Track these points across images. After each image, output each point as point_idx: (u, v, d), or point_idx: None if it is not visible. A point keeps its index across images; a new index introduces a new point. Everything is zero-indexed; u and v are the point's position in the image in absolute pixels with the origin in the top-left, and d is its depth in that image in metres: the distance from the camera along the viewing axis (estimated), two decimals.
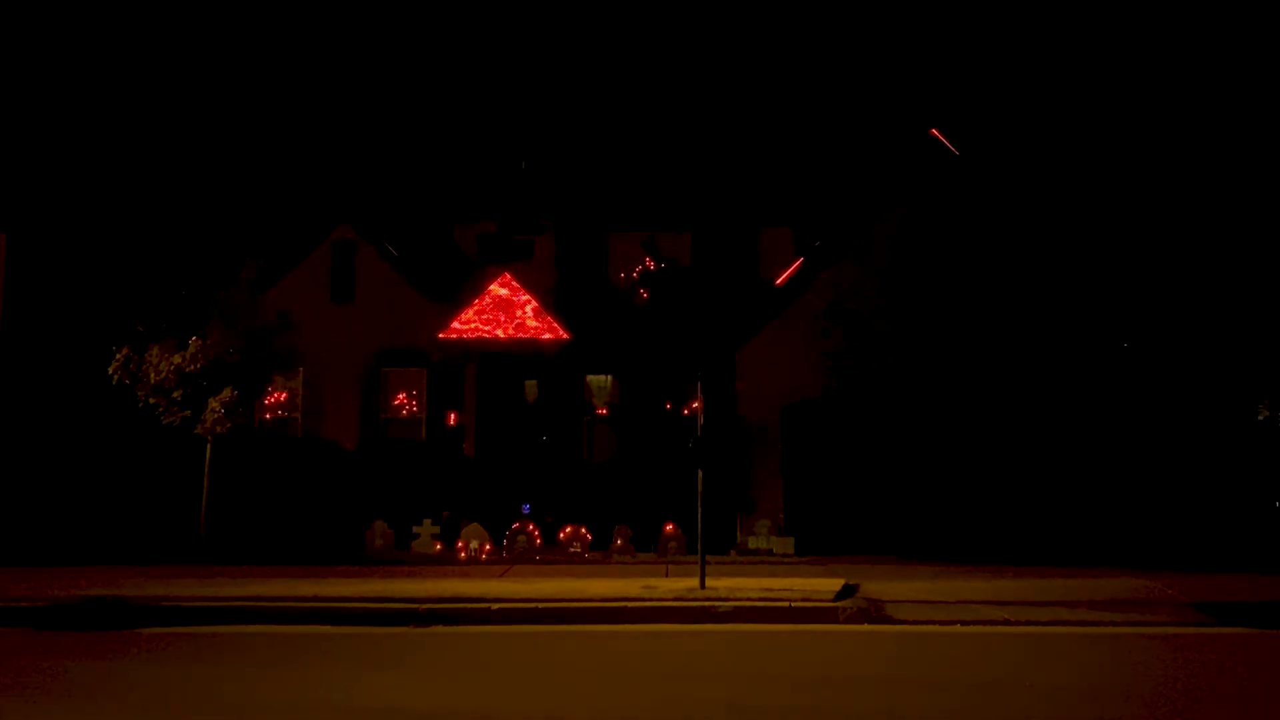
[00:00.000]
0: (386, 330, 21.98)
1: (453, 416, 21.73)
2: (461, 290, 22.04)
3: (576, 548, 17.76)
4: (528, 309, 21.51)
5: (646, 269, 22.29)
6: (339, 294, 22.24)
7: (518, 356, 21.46)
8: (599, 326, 21.80)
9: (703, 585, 12.72)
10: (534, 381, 21.76)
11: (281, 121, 25.88)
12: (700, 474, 13.54)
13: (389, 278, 22.32)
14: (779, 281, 21.90)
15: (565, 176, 23.25)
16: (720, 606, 11.64)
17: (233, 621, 11.39)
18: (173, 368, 17.94)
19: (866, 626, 11.18)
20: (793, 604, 11.69)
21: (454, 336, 21.33)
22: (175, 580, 13.89)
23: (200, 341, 18.28)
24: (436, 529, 18.37)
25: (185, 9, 27.23)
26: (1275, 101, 20.80)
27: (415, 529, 18.42)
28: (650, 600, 11.98)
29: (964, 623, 11.18)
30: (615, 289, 22.39)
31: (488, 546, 17.80)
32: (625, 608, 11.71)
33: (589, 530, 17.95)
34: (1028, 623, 11.18)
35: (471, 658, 9.77)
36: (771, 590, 12.36)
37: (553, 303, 21.77)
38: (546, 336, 21.33)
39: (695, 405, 13.87)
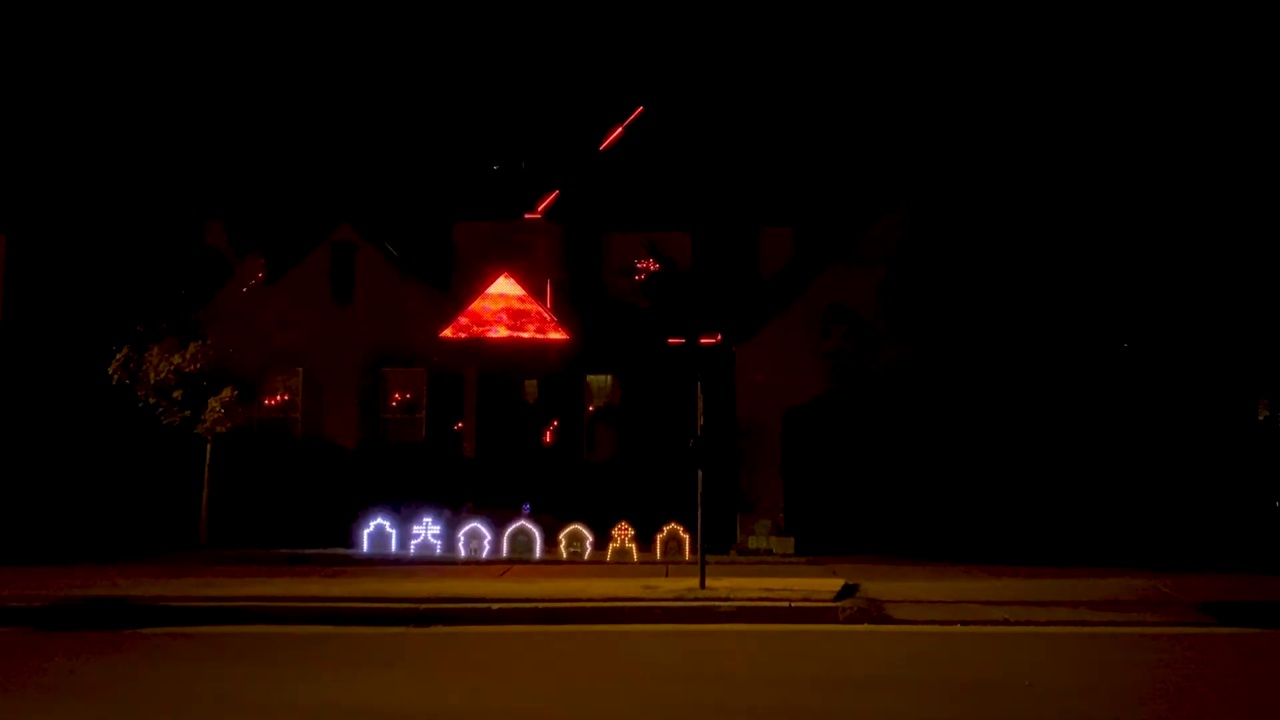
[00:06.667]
0: (386, 330, 21.94)
1: (452, 416, 21.71)
2: (461, 290, 22.02)
3: (577, 547, 17.74)
4: (528, 309, 21.50)
5: (647, 269, 22.29)
6: (339, 294, 22.21)
7: (518, 356, 21.45)
8: (599, 326, 21.79)
9: (703, 585, 12.73)
10: (534, 381, 21.74)
11: (282, 122, 25.87)
12: (700, 474, 13.54)
13: (389, 278, 22.30)
14: (778, 281, 21.88)
15: (565, 176, 23.22)
16: (720, 606, 11.65)
17: (233, 621, 11.39)
18: (173, 368, 17.96)
19: (866, 626, 11.19)
20: (793, 604, 11.70)
21: (454, 336, 21.31)
22: (175, 580, 13.88)
23: (200, 341, 18.29)
24: (436, 529, 18.35)
25: (185, 9, 27.22)
26: (1275, 101, 20.79)
27: (415, 529, 18.41)
28: (650, 600, 11.98)
29: (964, 623, 11.18)
30: (616, 288, 22.38)
31: (488, 546, 17.79)
32: (625, 608, 11.72)
33: (589, 530, 17.93)
34: (1028, 623, 11.19)
35: (471, 658, 9.78)
36: (771, 590, 12.36)
37: (553, 302, 21.75)
38: (546, 336, 21.33)
39: (695, 405, 13.86)
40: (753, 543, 18.96)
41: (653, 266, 22.28)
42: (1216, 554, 16.67)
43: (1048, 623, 11.16)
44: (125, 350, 18.17)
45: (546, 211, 22.56)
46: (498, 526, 18.17)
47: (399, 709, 7.59)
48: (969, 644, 10.19)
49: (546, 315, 21.45)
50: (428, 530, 18.30)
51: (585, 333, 21.55)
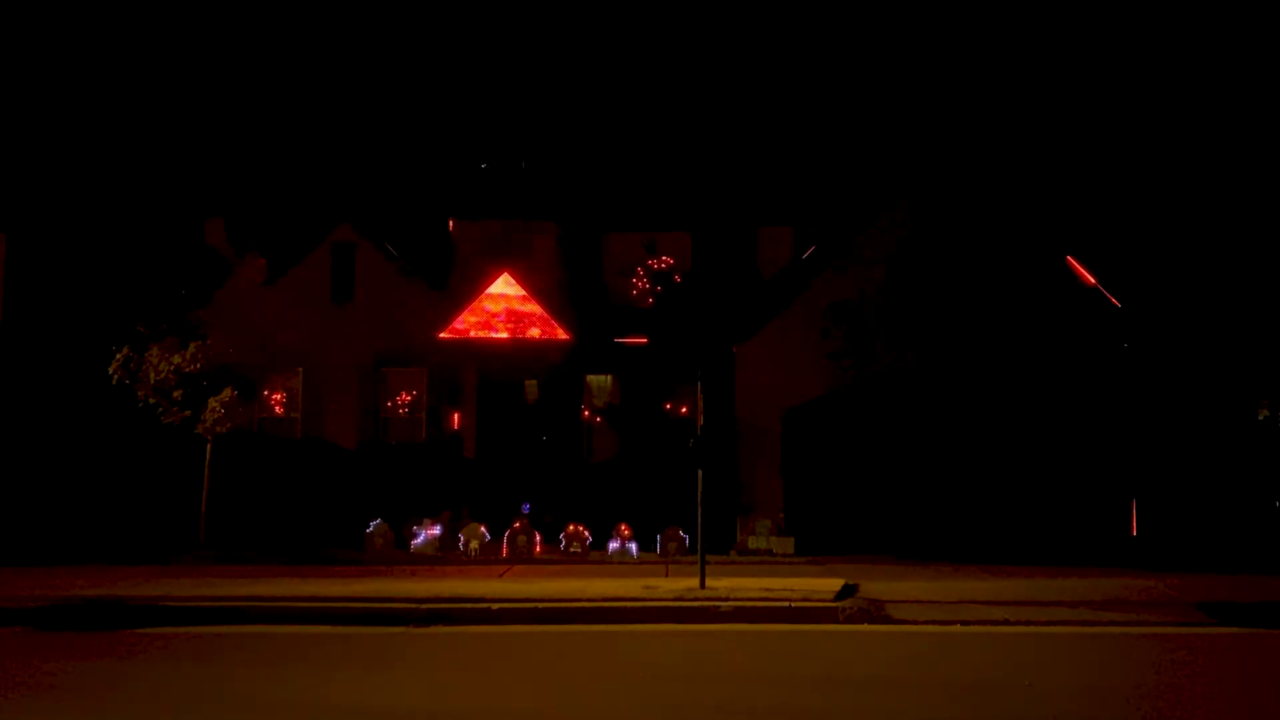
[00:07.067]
0: (386, 330, 21.96)
1: (453, 416, 21.72)
2: (461, 290, 22.03)
3: (576, 548, 17.75)
4: (528, 309, 21.51)
5: (647, 269, 22.29)
6: (339, 294, 22.23)
7: (518, 356, 21.46)
8: (599, 326, 21.79)
9: (703, 585, 12.72)
10: (534, 381, 21.75)
11: (281, 121, 25.88)
12: (700, 474, 13.54)
13: (389, 277, 22.32)
14: (778, 281, 21.89)
15: (565, 176, 23.23)
16: (720, 606, 11.64)
17: (233, 621, 11.38)
18: (173, 368, 17.96)
19: (866, 626, 11.18)
20: (793, 604, 11.69)
21: (454, 336, 21.33)
22: (175, 580, 13.88)
23: (200, 341, 18.29)
24: (436, 529, 18.36)
25: (185, 9, 27.24)
26: (1275, 101, 20.79)
27: (415, 529, 18.41)
28: (650, 600, 11.97)
29: (964, 623, 11.17)
30: (616, 288, 22.39)
31: (488, 546, 17.80)
32: (625, 608, 11.71)
33: (589, 530, 17.94)
34: (1027, 623, 11.18)
35: (471, 658, 9.77)
36: (771, 590, 12.36)
37: (553, 302, 21.75)
38: (546, 336, 21.33)
39: (695, 405, 13.86)
40: (753, 543, 18.96)
41: (653, 266, 22.29)
42: (1216, 554, 16.67)
43: (1048, 623, 11.16)
44: (125, 350, 18.17)
45: (547, 211, 22.50)
46: (498, 526, 18.18)
47: (399, 709, 7.58)
48: (969, 644, 10.18)
49: (546, 315, 21.45)
50: (428, 530, 18.31)
51: (585, 333, 21.55)
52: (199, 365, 18.12)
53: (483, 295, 21.57)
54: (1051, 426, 18.85)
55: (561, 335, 21.36)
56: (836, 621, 11.38)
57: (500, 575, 14.85)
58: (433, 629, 11.14)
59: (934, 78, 24.71)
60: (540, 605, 11.77)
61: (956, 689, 8.17)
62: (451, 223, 22.83)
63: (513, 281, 21.68)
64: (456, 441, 21.52)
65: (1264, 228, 19.70)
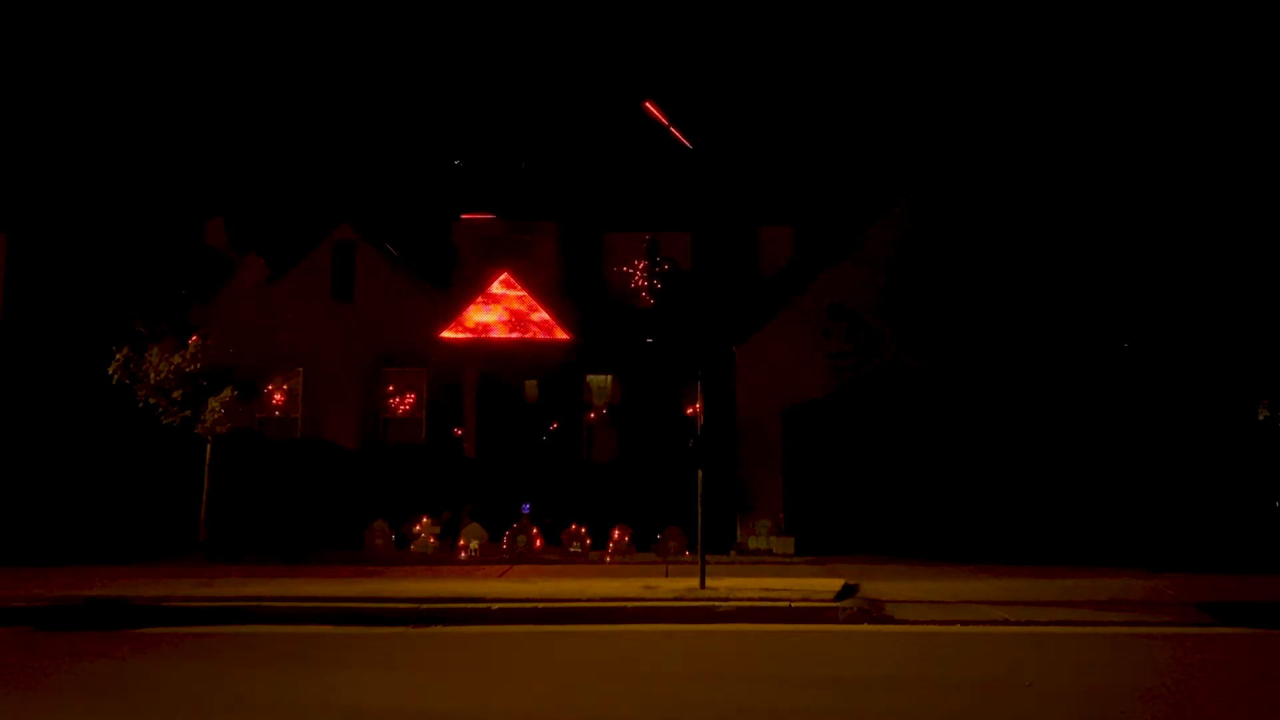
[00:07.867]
0: (386, 330, 21.97)
1: (453, 416, 21.72)
2: (461, 289, 22.04)
3: (576, 548, 17.75)
4: (528, 308, 21.51)
5: (648, 268, 22.29)
6: (339, 293, 22.22)
7: (518, 356, 21.46)
8: (599, 326, 21.79)
9: (703, 585, 12.73)
10: (534, 381, 21.75)
11: (281, 121, 25.88)
12: (700, 474, 13.55)
13: (389, 277, 22.32)
14: (778, 281, 21.89)
15: (565, 176, 23.24)
16: (720, 606, 11.65)
17: (233, 621, 11.40)
18: (173, 368, 17.95)
19: (866, 626, 11.19)
20: (793, 604, 11.70)
21: (454, 336, 21.33)
22: (175, 580, 13.89)
23: (200, 341, 18.30)
24: (436, 529, 18.35)
25: (185, 9, 27.23)
26: (1275, 101, 20.79)
27: (415, 529, 18.42)
28: (650, 600, 11.99)
29: (964, 623, 11.19)
30: (616, 288, 22.40)
31: (488, 546, 17.79)
32: (625, 608, 11.72)
33: (589, 530, 17.94)
34: (1028, 623, 11.20)
35: (471, 658, 9.78)
36: (771, 590, 12.37)
37: (553, 302, 21.75)
38: (546, 336, 21.33)
39: (695, 405, 13.87)
40: (753, 543, 18.97)
41: (653, 266, 22.28)
42: (1216, 554, 16.68)
43: (1048, 623, 11.17)
44: (125, 350, 18.17)
45: (547, 210, 22.51)
46: (498, 526, 18.17)
47: (398, 709, 7.59)
48: (969, 644, 10.19)
49: (546, 315, 21.45)
50: (428, 530, 18.31)
51: (585, 333, 21.55)
52: (199, 365, 18.11)
53: (483, 295, 21.58)
54: (1051, 426, 18.85)
55: (561, 335, 21.36)
56: (836, 621, 11.39)
57: (500, 575, 14.86)
58: (432, 629, 11.15)
59: (933, 77, 24.70)
60: (540, 605, 11.78)
61: (956, 689, 8.18)
62: (452, 223, 22.84)
63: (513, 281, 21.69)
64: (456, 441, 21.52)
65: (1264, 228, 19.70)
